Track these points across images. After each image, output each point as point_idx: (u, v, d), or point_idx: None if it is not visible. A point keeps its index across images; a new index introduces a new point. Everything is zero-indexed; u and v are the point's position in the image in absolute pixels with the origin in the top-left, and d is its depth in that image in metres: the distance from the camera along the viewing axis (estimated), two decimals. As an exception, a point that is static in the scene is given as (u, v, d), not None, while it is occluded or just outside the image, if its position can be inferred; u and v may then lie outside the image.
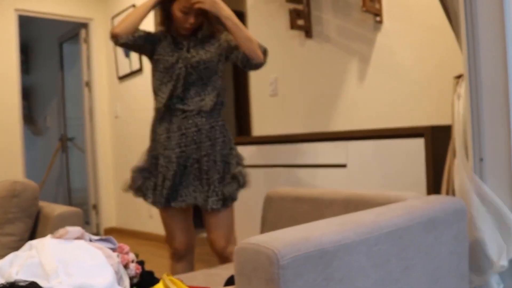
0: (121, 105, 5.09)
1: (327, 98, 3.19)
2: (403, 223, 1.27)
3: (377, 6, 2.83)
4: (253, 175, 3.00)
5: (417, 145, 2.27)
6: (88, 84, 5.29)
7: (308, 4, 3.26)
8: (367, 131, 2.51)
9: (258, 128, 3.66)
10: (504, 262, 1.61)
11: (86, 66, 5.28)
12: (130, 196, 2.42)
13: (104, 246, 1.27)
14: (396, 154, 2.36)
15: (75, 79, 5.69)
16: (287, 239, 1.03)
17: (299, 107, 3.37)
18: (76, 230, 1.25)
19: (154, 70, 2.31)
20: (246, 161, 2.37)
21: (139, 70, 4.68)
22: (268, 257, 0.98)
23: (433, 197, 1.56)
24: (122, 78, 5.00)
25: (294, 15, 3.19)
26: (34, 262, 1.10)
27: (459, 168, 1.75)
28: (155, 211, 4.56)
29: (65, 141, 5.88)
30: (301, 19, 3.25)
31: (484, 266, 1.62)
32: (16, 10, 4.63)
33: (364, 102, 2.99)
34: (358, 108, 3.02)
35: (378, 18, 2.87)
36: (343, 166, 2.59)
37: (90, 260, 1.16)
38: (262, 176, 3.00)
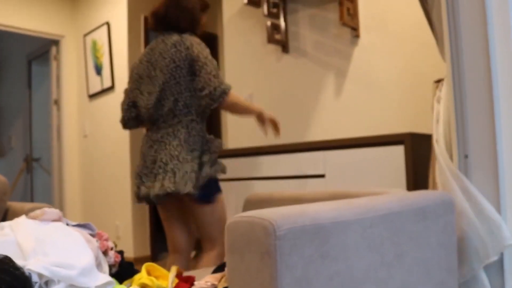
0: (91, 124, 4.97)
1: (304, 112, 3.19)
2: (395, 208, 1.24)
3: (354, 20, 2.87)
4: (227, 188, 2.94)
5: (397, 152, 2.27)
6: (56, 102, 5.17)
7: (285, 20, 3.28)
8: (346, 140, 2.49)
9: (233, 141, 3.61)
10: (490, 258, 1.58)
11: (55, 84, 5.16)
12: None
13: (83, 231, 1.19)
14: (375, 162, 2.35)
15: (42, 98, 5.56)
16: (283, 212, 0.99)
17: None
18: (54, 212, 1.17)
19: None
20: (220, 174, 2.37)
21: (111, 88, 4.61)
22: (264, 227, 0.93)
23: (422, 191, 1.54)
24: (92, 96, 4.90)
25: (271, 29, 3.20)
26: (9, 240, 1.02)
27: (442, 168, 1.75)
28: (122, 232, 4.41)
29: (30, 162, 5.69)
30: (278, 34, 3.26)
31: (470, 261, 1.60)
32: (-15, 23, 4.53)
33: (341, 114, 2.99)
34: (335, 120, 3.02)
35: (355, 33, 2.90)
36: (322, 176, 2.56)
37: (69, 242, 1.08)
38: (237, 189, 2.94)
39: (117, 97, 4.56)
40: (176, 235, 2.38)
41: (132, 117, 2.41)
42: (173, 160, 2.17)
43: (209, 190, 2.25)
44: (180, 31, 2.31)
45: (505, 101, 1.58)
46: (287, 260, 0.93)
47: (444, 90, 1.89)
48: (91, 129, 4.98)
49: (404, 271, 1.25)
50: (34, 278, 0.96)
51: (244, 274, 0.97)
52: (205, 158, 2.24)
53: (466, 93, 1.65)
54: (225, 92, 2.17)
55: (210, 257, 2.28)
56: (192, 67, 2.20)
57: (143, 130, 4.50)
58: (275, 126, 2.43)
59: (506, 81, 1.58)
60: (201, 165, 2.23)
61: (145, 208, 4.54)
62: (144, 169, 2.27)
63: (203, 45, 2.26)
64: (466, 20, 1.67)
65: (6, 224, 1.10)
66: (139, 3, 4.59)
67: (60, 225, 1.13)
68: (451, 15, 1.71)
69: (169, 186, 2.12)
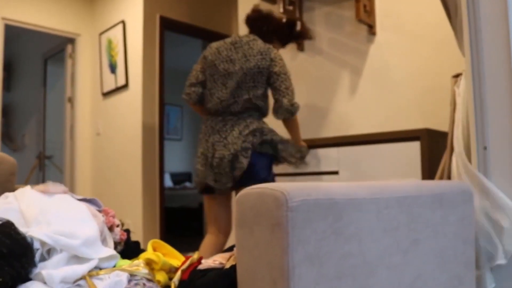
0: (104, 122, 4.97)
1: (318, 110, 3.14)
2: (412, 191, 1.20)
3: (370, 17, 2.83)
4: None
5: (413, 148, 2.22)
6: (70, 100, 5.19)
7: (301, 17, 3.25)
8: (360, 136, 2.45)
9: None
10: (502, 259, 1.53)
11: (70, 82, 5.18)
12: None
13: (89, 206, 1.16)
14: (390, 158, 2.30)
15: (57, 97, 5.58)
16: (295, 185, 0.94)
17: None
18: (59, 186, 1.14)
19: None
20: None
21: (125, 86, 4.61)
22: (276, 198, 0.89)
23: (439, 180, 1.49)
24: (106, 94, 4.91)
25: (287, 26, 3.17)
26: (12, 208, 0.99)
27: (458, 162, 1.70)
28: (132, 231, 4.39)
29: (42, 159, 5.71)
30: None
31: (481, 260, 1.54)
32: (3, 19, 4.56)
33: (356, 112, 2.94)
34: (350, 117, 2.97)
35: (371, 30, 2.86)
36: (335, 173, 2.51)
37: (73, 213, 1.05)
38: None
39: (131, 95, 4.56)
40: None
41: (199, 92, 2.60)
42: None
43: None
44: (267, 40, 2.62)
45: (527, 91, 1.52)
46: (299, 234, 0.89)
47: (462, 85, 1.85)
48: (104, 127, 4.98)
49: (420, 259, 1.20)
50: (36, 245, 0.93)
51: (253, 250, 0.93)
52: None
53: (485, 84, 1.60)
54: (298, 108, 2.48)
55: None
56: (270, 77, 2.48)
57: (155, 136, 4.49)
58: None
59: (529, 71, 1.53)
60: None
61: (156, 207, 4.52)
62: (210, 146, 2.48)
63: (284, 61, 2.54)
64: (486, 11, 1.63)
65: (10, 194, 1.07)
66: (155, 2, 4.60)
67: (65, 196, 1.10)
68: (471, 7, 1.67)
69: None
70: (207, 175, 2.46)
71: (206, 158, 2.47)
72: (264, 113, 2.56)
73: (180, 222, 6.79)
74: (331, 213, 0.95)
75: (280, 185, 0.93)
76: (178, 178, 8.42)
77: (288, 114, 2.46)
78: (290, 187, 0.92)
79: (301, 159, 2.54)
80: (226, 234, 2.63)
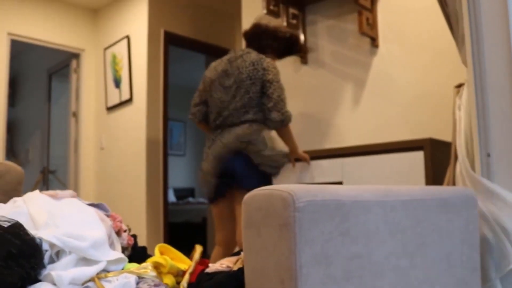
0: (108, 137, 5.00)
1: (322, 122, 3.16)
2: (417, 195, 1.20)
3: (373, 30, 2.86)
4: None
5: (417, 158, 2.23)
6: (75, 114, 5.22)
7: (304, 31, 3.29)
8: (364, 146, 2.46)
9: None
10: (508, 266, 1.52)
11: (74, 96, 5.22)
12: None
13: (97, 211, 1.17)
14: (394, 168, 2.30)
15: (61, 112, 5.62)
16: (302, 186, 0.95)
17: (294, 131, 3.33)
18: (67, 192, 1.15)
19: None
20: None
21: (129, 100, 4.64)
22: (283, 199, 0.90)
23: (444, 186, 1.50)
24: (110, 108, 4.94)
25: (291, 40, 3.20)
26: (21, 212, 1.00)
27: (462, 169, 1.70)
28: (136, 245, 4.38)
29: (46, 174, 5.72)
30: (297, 45, 3.26)
31: (489, 271, 1.54)
32: (9, 34, 4.61)
33: (359, 123, 2.96)
34: (353, 129, 2.99)
35: (374, 43, 2.89)
36: (339, 183, 2.52)
37: (82, 216, 1.06)
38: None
39: (135, 109, 4.59)
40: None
41: (203, 111, 2.73)
42: None
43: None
44: (263, 52, 2.66)
45: (530, 98, 1.54)
46: (307, 235, 0.90)
47: (465, 96, 1.86)
48: (108, 142, 5.00)
49: (426, 263, 1.20)
50: (45, 247, 0.93)
51: (260, 250, 0.94)
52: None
53: (487, 92, 1.61)
54: (289, 118, 2.52)
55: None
56: (264, 86, 2.51)
57: (159, 145, 4.52)
58: (305, 160, 2.72)
59: (531, 78, 1.54)
60: None
61: (160, 222, 4.52)
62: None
63: (277, 69, 2.57)
64: (487, 21, 1.65)
65: (18, 198, 1.09)
66: (159, 17, 4.65)
67: (74, 200, 1.11)
68: (472, 17, 1.69)
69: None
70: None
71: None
72: (260, 123, 2.57)
73: (184, 237, 6.77)
74: (338, 214, 0.96)
75: (287, 186, 0.94)
76: (181, 194, 8.43)
77: (279, 125, 2.52)
78: (297, 188, 0.93)
79: (274, 168, 2.55)
80: (228, 246, 2.67)
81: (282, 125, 2.53)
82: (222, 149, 2.52)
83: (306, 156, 2.72)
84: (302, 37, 3.29)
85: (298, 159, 2.76)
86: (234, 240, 2.68)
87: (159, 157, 4.57)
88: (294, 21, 3.27)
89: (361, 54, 2.98)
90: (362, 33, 2.80)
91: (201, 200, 7.60)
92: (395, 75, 2.80)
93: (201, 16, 5.04)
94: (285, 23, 3.22)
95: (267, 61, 2.55)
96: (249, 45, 2.73)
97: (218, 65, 2.68)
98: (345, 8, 3.07)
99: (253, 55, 2.57)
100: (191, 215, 6.95)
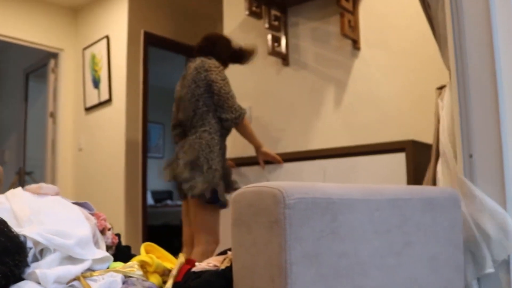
0: (86, 138, 4.93)
1: (303, 123, 3.17)
2: (402, 194, 1.21)
3: (355, 32, 2.88)
4: (229, 197, 2.89)
5: (398, 159, 2.24)
6: (52, 115, 5.13)
7: (286, 32, 3.29)
8: (346, 148, 2.47)
9: (235, 150, 3.56)
10: (490, 268, 1.54)
11: (52, 97, 5.13)
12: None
13: (81, 209, 1.14)
14: (376, 170, 2.32)
15: (38, 112, 5.52)
16: (293, 184, 0.95)
17: (274, 133, 3.33)
18: (51, 187, 1.13)
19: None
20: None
21: (108, 101, 4.58)
22: (274, 196, 0.90)
23: (428, 186, 1.51)
24: (89, 109, 4.87)
25: (272, 42, 3.20)
26: (3, 208, 0.98)
27: (444, 170, 1.72)
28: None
29: (22, 175, 5.61)
30: (279, 47, 3.27)
31: (468, 269, 1.55)
32: (-15, 32, 4.53)
33: (341, 125, 2.97)
34: (335, 131, 3.00)
35: (355, 45, 2.91)
36: (321, 185, 2.52)
37: (66, 214, 1.03)
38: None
39: (114, 110, 4.53)
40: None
41: (177, 133, 2.87)
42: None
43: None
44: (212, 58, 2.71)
45: (510, 99, 1.56)
46: (297, 232, 0.89)
47: (446, 98, 1.88)
48: (86, 143, 4.93)
49: (412, 262, 1.21)
50: (29, 244, 0.91)
51: (250, 248, 0.93)
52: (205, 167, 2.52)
53: (470, 93, 1.63)
54: (242, 114, 2.56)
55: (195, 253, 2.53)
56: (210, 86, 2.55)
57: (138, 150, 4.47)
58: (274, 159, 2.73)
59: (511, 79, 1.57)
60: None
61: (139, 225, 4.47)
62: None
63: (222, 68, 2.62)
64: (470, 23, 1.67)
65: (1, 195, 1.06)
66: (139, 18, 4.61)
67: (58, 198, 1.09)
68: (455, 20, 1.71)
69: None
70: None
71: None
72: (213, 126, 2.60)
73: (162, 240, 6.71)
74: (329, 212, 0.96)
75: (277, 183, 0.93)
76: (160, 196, 8.35)
77: (234, 123, 2.57)
78: (288, 185, 0.92)
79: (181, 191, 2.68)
80: (189, 244, 2.78)
81: (237, 123, 2.55)
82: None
83: (273, 154, 2.73)
84: (283, 39, 3.29)
85: (269, 162, 2.78)
86: (192, 239, 2.74)
87: (138, 159, 4.52)
88: (276, 23, 3.27)
89: (343, 56, 3.00)
90: (344, 35, 2.82)
91: (179, 203, 7.54)
92: (377, 77, 2.83)
93: (182, 17, 5.01)
94: (267, 25, 3.22)
95: (208, 62, 2.59)
96: (200, 55, 2.76)
97: (178, 82, 2.80)
98: (327, 10, 3.09)
99: (197, 61, 2.64)
100: (170, 217, 6.90)
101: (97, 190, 4.70)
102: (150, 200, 7.94)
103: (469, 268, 1.57)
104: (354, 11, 2.89)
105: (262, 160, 2.77)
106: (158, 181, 8.62)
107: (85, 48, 4.95)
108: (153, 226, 6.47)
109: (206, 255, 2.46)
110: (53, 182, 5.07)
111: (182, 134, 2.81)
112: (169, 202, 8.14)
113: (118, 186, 4.43)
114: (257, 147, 2.73)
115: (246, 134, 2.67)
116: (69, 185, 5.10)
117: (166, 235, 6.76)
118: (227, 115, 2.52)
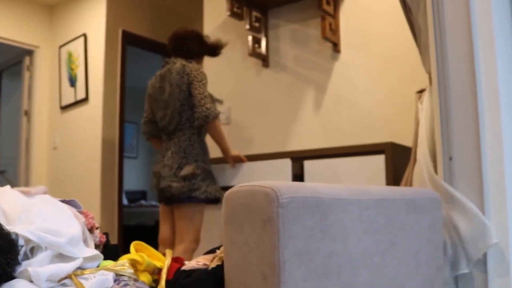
0: (62, 136, 4.86)
1: (283, 125, 3.19)
2: (388, 195, 1.24)
3: (335, 35, 2.92)
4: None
5: (378, 161, 2.28)
6: (27, 113, 5.04)
7: (266, 34, 3.31)
8: (326, 149, 2.50)
9: (214, 150, 3.56)
10: (465, 269, 1.58)
11: (27, 94, 5.04)
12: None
13: (70, 207, 1.14)
14: (355, 171, 2.35)
15: (11, 110, 5.42)
16: (284, 183, 0.96)
17: (253, 134, 3.34)
18: (41, 189, 1.12)
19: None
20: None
21: (85, 99, 4.53)
22: (267, 195, 0.91)
23: (410, 187, 1.54)
24: (64, 107, 4.80)
25: (253, 43, 3.22)
26: (-7, 206, 0.96)
27: (424, 173, 1.76)
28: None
29: (-5, 174, 5.49)
30: (259, 48, 3.29)
31: (445, 268, 1.60)
32: (-42, 28, 4.42)
33: (320, 127, 3.00)
34: (314, 133, 3.03)
35: (336, 48, 2.95)
36: (301, 185, 2.54)
37: (56, 212, 1.03)
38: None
39: (91, 109, 4.48)
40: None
41: (148, 130, 2.90)
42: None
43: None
44: (189, 58, 2.76)
45: (489, 103, 1.61)
46: (290, 230, 0.91)
47: (426, 101, 1.92)
48: (61, 142, 4.86)
49: (397, 261, 1.23)
50: (20, 242, 0.90)
51: (242, 246, 0.94)
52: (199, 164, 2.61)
53: (450, 97, 1.68)
54: (213, 114, 2.58)
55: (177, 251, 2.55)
56: (190, 89, 2.62)
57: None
58: (241, 160, 2.79)
59: (490, 84, 1.61)
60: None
61: (115, 225, 4.43)
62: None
63: (201, 71, 2.67)
64: (451, 28, 1.71)
65: (-11, 193, 1.04)
66: (117, 16, 4.57)
67: (47, 197, 1.08)
68: (437, 26, 1.75)
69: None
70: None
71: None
72: (200, 130, 2.70)
73: (137, 240, 6.65)
74: (319, 211, 0.97)
75: (269, 183, 0.94)
76: (134, 196, 8.27)
77: (203, 121, 2.58)
78: (280, 184, 0.94)
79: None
80: (165, 243, 2.78)
81: (207, 121, 2.58)
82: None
83: (239, 156, 2.77)
84: (264, 41, 3.31)
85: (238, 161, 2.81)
86: (171, 238, 2.75)
87: (115, 159, 4.48)
88: (257, 24, 3.29)
89: (323, 59, 3.03)
90: (325, 38, 2.86)
91: (154, 203, 7.49)
92: (356, 80, 2.87)
93: (160, 17, 4.99)
94: (248, 26, 3.24)
95: (189, 66, 2.66)
96: (175, 55, 2.80)
97: (153, 81, 2.82)
98: (308, 13, 3.12)
99: (178, 64, 2.68)
100: (144, 218, 6.84)
101: (72, 190, 4.64)
102: (124, 200, 7.86)
103: (447, 267, 1.61)
104: (335, 14, 2.92)
105: (231, 161, 2.81)
106: (132, 180, 8.55)
107: (61, 46, 4.88)
108: (127, 227, 6.40)
109: (187, 254, 2.50)
110: (26, 181, 4.98)
111: (156, 131, 2.87)
112: (143, 202, 8.07)
113: (94, 185, 4.38)
114: (226, 151, 2.77)
115: (215, 136, 2.70)
116: (43, 184, 5.01)
117: (141, 235, 6.72)
118: (197, 113, 2.58)
